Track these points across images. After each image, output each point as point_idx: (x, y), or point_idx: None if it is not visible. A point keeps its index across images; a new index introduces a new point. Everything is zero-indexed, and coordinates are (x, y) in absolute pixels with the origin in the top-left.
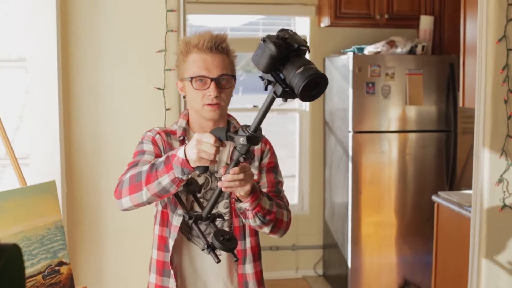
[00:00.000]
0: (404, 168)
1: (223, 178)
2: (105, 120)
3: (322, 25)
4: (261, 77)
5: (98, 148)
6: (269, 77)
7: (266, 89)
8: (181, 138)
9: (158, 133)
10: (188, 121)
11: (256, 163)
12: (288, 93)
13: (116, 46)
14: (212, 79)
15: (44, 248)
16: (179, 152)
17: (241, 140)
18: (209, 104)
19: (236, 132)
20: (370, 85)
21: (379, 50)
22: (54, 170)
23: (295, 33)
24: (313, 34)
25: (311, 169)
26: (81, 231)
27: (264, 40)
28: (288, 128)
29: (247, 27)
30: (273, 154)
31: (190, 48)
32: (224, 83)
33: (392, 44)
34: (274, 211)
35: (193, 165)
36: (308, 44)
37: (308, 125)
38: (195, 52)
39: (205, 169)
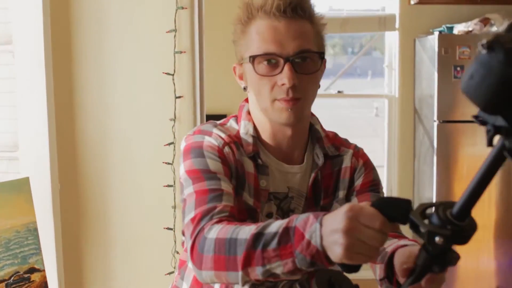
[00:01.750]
0: None
1: None
2: (110, 110)
3: (412, 2)
4: (476, 116)
5: (103, 140)
6: (497, 120)
7: (490, 143)
8: (251, 154)
9: (226, 143)
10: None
11: (341, 193)
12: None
13: (121, 28)
14: (286, 59)
15: (10, 253)
16: (311, 231)
17: (437, 239)
18: (283, 100)
19: (423, 213)
20: (458, 68)
21: (470, 28)
22: (44, 164)
23: None
24: (402, 12)
25: (399, 161)
26: (88, 232)
27: (489, 46)
28: (373, 115)
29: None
30: (370, 170)
31: (253, 12)
32: (307, 65)
33: (486, 21)
34: None
35: (339, 261)
36: (397, 25)
37: (397, 112)
38: (260, 18)
39: (355, 269)
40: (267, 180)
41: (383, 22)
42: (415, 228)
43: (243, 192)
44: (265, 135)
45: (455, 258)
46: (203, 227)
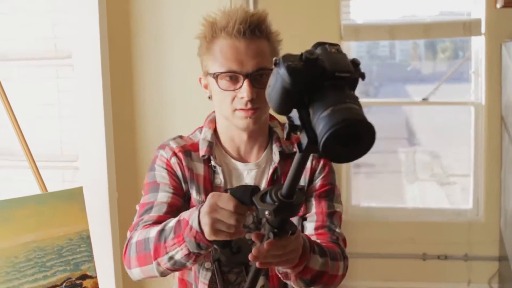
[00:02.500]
0: None
1: (254, 251)
2: (169, 119)
3: (498, 5)
4: (288, 117)
5: None
6: (295, 119)
7: (288, 138)
8: (205, 157)
9: (175, 153)
10: (215, 130)
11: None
12: (317, 146)
13: (180, 38)
14: (245, 76)
15: (62, 259)
16: (193, 218)
17: (266, 212)
18: (242, 109)
19: (263, 196)
20: None
21: None
22: (102, 174)
23: (336, 50)
24: (488, 16)
25: (486, 170)
26: None
27: (276, 63)
28: (461, 122)
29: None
30: (329, 172)
31: (216, 31)
32: (264, 80)
33: None
34: (327, 271)
35: (209, 238)
36: (483, 30)
37: (484, 120)
38: (223, 37)
39: (225, 244)
40: (221, 179)
41: (469, 27)
42: (254, 205)
43: (193, 191)
44: (225, 139)
45: (292, 229)
46: (131, 236)
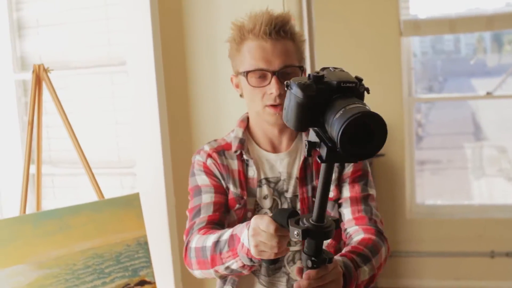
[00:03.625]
0: None
1: (295, 285)
2: (225, 123)
3: None
4: (309, 142)
5: None
6: (312, 136)
7: (309, 154)
8: (238, 152)
9: (209, 155)
10: (247, 128)
11: (334, 175)
12: (336, 154)
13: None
14: (273, 73)
15: (120, 266)
16: (243, 237)
17: (295, 233)
18: (271, 106)
19: (298, 220)
20: None
21: None
22: (159, 179)
23: (340, 69)
24: None
25: None
26: None
27: (287, 85)
28: None
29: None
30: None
31: (244, 34)
32: (290, 77)
33: None
34: (375, 271)
35: (255, 257)
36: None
37: None
38: (251, 39)
39: (272, 262)
40: (254, 170)
41: None
42: (288, 227)
43: (230, 185)
44: (258, 133)
45: (328, 256)
46: (189, 240)
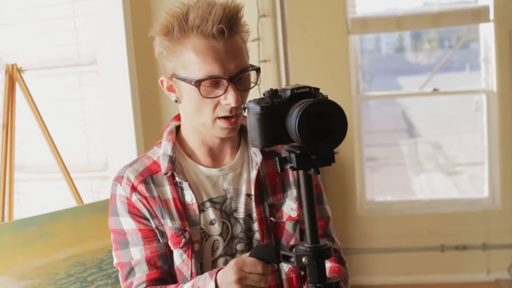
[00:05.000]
0: None
1: None
2: None
3: None
4: (279, 158)
5: None
6: (283, 152)
7: (281, 170)
8: (168, 174)
9: (134, 188)
10: (175, 141)
11: (294, 191)
12: (306, 159)
13: None
14: (230, 79)
15: (103, 273)
16: None
17: (304, 259)
18: (225, 119)
19: (292, 248)
20: None
21: None
22: None
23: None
24: (497, 2)
25: (501, 157)
26: None
27: (245, 107)
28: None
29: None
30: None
31: (186, 29)
32: (246, 82)
33: None
34: None
35: None
36: (491, 16)
37: (496, 107)
38: (196, 37)
39: None
40: (191, 194)
41: (477, 14)
42: (286, 259)
43: (167, 220)
44: (194, 144)
45: (334, 282)
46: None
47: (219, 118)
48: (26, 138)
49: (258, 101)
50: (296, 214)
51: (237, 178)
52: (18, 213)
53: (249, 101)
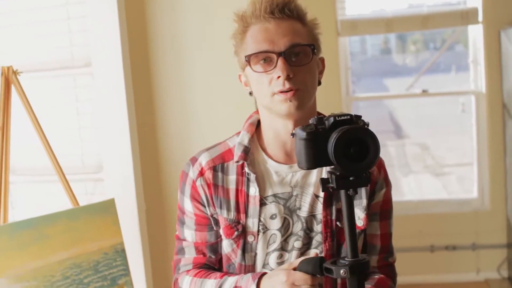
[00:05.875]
0: None
1: None
2: (192, 127)
3: None
4: (321, 179)
5: (187, 157)
6: (324, 174)
7: (324, 190)
8: (239, 162)
9: (202, 172)
10: (256, 134)
11: (364, 202)
12: (345, 180)
13: (198, 43)
14: (279, 54)
15: (99, 275)
16: None
17: (342, 271)
18: (281, 92)
19: (334, 262)
20: None
21: None
22: (129, 185)
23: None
24: (485, 4)
25: (490, 158)
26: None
27: (293, 134)
28: (458, 112)
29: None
30: (389, 185)
31: (247, 20)
32: (300, 58)
33: None
34: None
35: None
36: (480, 18)
37: (485, 108)
38: (253, 24)
39: None
40: (255, 187)
41: (466, 16)
42: (328, 271)
43: (223, 210)
44: (270, 137)
45: None
46: (176, 278)
47: (276, 93)
48: (19, 140)
49: (303, 128)
50: (362, 224)
51: (306, 177)
52: (11, 216)
53: (297, 128)
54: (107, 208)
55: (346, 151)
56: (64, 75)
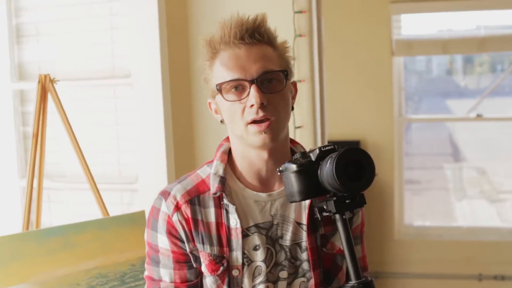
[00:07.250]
0: None
1: None
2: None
3: None
4: (318, 207)
5: None
6: (319, 203)
7: (322, 218)
8: (217, 194)
9: (178, 207)
10: (227, 162)
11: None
12: (343, 203)
13: None
14: (251, 81)
15: (125, 286)
16: None
17: None
18: (255, 123)
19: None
20: None
21: None
22: None
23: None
24: None
25: None
26: None
27: (280, 171)
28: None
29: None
30: (362, 209)
31: (216, 46)
32: (273, 85)
33: None
34: None
35: None
36: None
37: None
38: (223, 50)
39: None
40: (236, 219)
41: None
42: None
43: (206, 246)
44: (243, 166)
45: None
46: None
47: (249, 123)
48: (59, 147)
49: (292, 161)
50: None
51: (285, 204)
52: (48, 221)
53: (283, 164)
54: (137, 220)
55: (346, 171)
56: (104, 85)
